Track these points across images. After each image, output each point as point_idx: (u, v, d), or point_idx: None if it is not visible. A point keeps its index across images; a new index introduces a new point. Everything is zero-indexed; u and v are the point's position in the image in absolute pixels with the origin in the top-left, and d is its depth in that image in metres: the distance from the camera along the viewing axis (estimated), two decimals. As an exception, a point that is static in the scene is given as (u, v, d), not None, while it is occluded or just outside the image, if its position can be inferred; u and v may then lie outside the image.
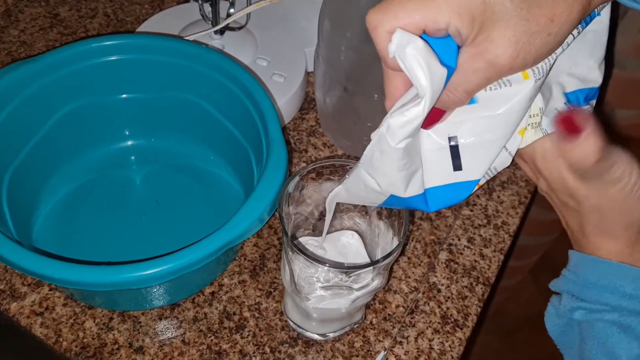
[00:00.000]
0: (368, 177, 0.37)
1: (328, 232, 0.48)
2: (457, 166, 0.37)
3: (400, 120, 0.32)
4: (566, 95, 0.38)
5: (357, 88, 0.57)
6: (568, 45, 0.35)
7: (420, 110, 0.32)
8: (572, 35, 0.35)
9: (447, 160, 0.37)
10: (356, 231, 0.50)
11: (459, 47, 0.32)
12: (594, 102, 0.39)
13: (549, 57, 0.34)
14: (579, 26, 0.35)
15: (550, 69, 0.35)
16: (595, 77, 0.39)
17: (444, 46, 0.32)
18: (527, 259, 1.09)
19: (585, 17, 0.34)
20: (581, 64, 0.38)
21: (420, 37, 0.31)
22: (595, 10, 0.36)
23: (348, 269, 0.42)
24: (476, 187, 0.38)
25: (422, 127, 0.34)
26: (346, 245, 0.49)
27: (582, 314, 0.40)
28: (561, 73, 0.38)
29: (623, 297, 0.38)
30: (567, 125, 0.34)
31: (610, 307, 0.39)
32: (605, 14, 0.38)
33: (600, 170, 0.36)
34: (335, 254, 0.48)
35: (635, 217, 0.39)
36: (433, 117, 0.34)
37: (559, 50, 0.34)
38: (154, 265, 0.42)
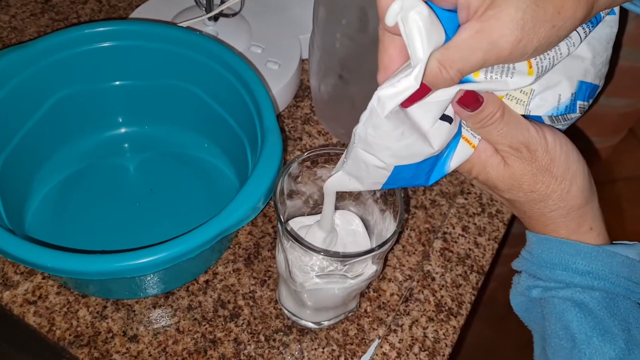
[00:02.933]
0: (368, 155, 0.36)
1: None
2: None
3: (390, 92, 0.31)
4: (581, 83, 0.37)
5: (352, 76, 0.57)
6: (575, 47, 0.35)
7: (411, 82, 0.31)
8: (580, 36, 0.35)
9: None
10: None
11: (459, 27, 0.31)
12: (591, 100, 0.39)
13: (554, 56, 0.34)
14: (586, 27, 0.35)
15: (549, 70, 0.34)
16: (601, 76, 0.39)
17: (447, 21, 0.31)
18: (521, 246, 1.10)
19: (590, 19, 0.34)
20: (597, 61, 0.38)
21: (426, 3, 0.30)
22: (601, 13, 0.36)
23: (343, 258, 0.42)
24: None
25: (401, 104, 0.33)
26: (348, 230, 0.49)
27: (539, 292, 0.41)
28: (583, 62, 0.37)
29: (575, 274, 0.39)
30: (467, 100, 0.35)
31: (564, 284, 0.40)
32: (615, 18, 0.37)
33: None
34: (338, 237, 0.48)
35: (572, 204, 0.39)
36: (416, 94, 0.32)
37: (565, 50, 0.34)
38: (148, 254, 0.42)
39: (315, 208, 0.50)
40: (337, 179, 0.40)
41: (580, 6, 0.31)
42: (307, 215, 0.51)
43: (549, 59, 0.34)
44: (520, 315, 0.45)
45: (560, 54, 0.34)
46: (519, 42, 0.30)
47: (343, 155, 0.39)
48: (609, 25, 0.38)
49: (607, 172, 1.48)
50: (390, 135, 0.34)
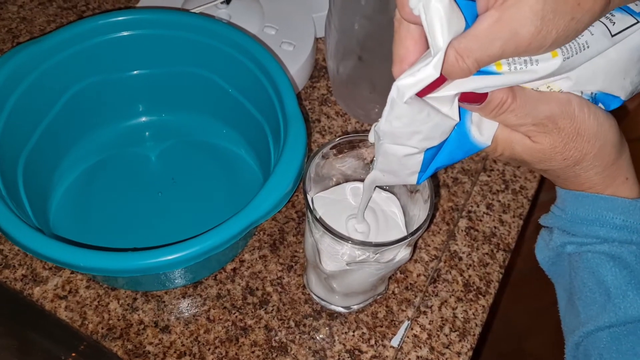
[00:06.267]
0: (397, 147, 0.36)
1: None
2: None
3: (409, 81, 0.31)
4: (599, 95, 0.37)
5: (372, 56, 0.56)
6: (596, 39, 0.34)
7: (430, 70, 0.30)
8: (608, 28, 0.34)
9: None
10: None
11: (477, 16, 0.31)
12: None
13: (579, 41, 0.33)
14: (609, 22, 0.34)
15: (580, 54, 0.33)
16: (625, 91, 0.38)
17: (466, 10, 0.31)
18: (539, 213, 1.09)
19: (606, 14, 0.33)
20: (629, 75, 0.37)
21: None
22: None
23: (376, 247, 0.41)
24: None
25: (417, 94, 0.32)
26: (388, 213, 0.48)
27: (573, 248, 0.41)
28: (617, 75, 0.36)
29: (613, 229, 0.39)
30: (469, 96, 0.34)
31: (600, 239, 0.39)
32: None
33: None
34: (372, 221, 0.47)
35: (607, 160, 0.38)
36: (432, 84, 0.32)
37: (591, 38, 0.33)
38: (180, 249, 0.42)
39: (339, 182, 0.50)
40: (373, 178, 0.40)
41: (599, 0, 0.30)
42: (331, 188, 0.50)
43: (575, 45, 0.33)
44: (545, 268, 0.45)
45: (586, 43, 0.33)
46: (539, 32, 0.30)
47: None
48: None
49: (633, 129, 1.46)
50: (416, 119, 0.33)
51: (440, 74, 0.31)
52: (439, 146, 0.37)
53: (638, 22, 0.35)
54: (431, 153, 0.37)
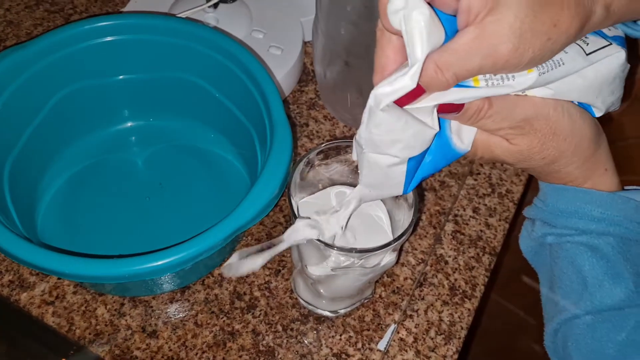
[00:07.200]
0: (379, 157, 0.36)
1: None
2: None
3: (386, 90, 0.31)
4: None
5: (358, 62, 0.56)
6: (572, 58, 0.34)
7: (407, 81, 0.31)
8: (582, 48, 0.35)
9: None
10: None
11: (457, 31, 0.31)
12: None
13: (555, 58, 0.33)
14: (583, 43, 0.35)
15: (555, 70, 0.34)
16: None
17: (447, 24, 0.31)
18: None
19: (581, 37, 0.34)
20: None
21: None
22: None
23: (360, 253, 0.42)
24: None
25: (397, 103, 0.33)
26: (373, 218, 0.48)
27: (553, 238, 0.42)
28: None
29: (591, 221, 0.40)
30: (446, 107, 0.35)
31: (579, 231, 0.41)
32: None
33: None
34: (358, 225, 0.48)
35: (585, 155, 0.39)
36: (410, 95, 0.32)
37: (565, 56, 0.34)
38: (166, 256, 0.42)
39: (325, 187, 0.50)
40: (359, 195, 0.40)
41: (575, 22, 0.31)
42: (314, 194, 0.50)
43: (550, 62, 0.34)
44: (528, 258, 0.46)
45: (561, 60, 0.34)
46: (516, 50, 0.31)
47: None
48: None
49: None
50: (394, 127, 0.34)
51: (418, 85, 0.32)
52: (422, 155, 0.37)
53: (610, 44, 0.36)
54: (414, 163, 0.37)
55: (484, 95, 0.34)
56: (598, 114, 0.39)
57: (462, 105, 0.34)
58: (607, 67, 0.36)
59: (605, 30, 0.37)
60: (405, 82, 0.31)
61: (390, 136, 0.34)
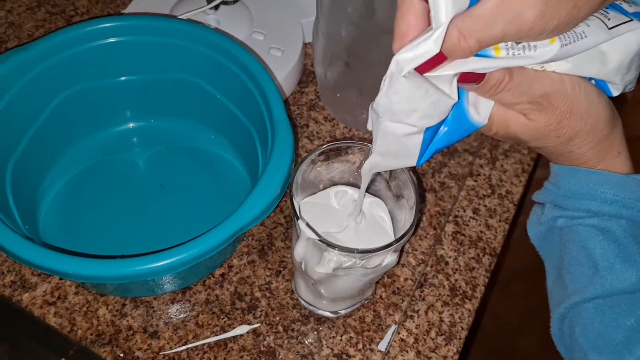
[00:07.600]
0: (396, 125, 0.35)
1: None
2: None
3: (409, 55, 0.31)
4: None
5: (359, 63, 0.56)
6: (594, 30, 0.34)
7: (430, 45, 0.30)
8: (604, 22, 0.34)
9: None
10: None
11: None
12: None
13: (577, 30, 0.33)
14: (604, 18, 0.35)
15: (577, 43, 0.34)
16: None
17: None
18: (525, 216, 1.10)
19: (605, 6, 0.33)
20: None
21: None
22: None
23: (362, 253, 0.42)
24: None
25: (417, 69, 0.32)
26: (376, 218, 0.48)
27: (564, 221, 0.42)
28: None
29: (604, 203, 0.40)
30: (468, 76, 0.34)
31: (591, 213, 0.40)
32: None
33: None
34: (360, 228, 0.48)
35: (599, 136, 0.39)
36: (432, 61, 0.32)
37: (587, 29, 0.33)
38: (168, 256, 0.42)
39: (325, 188, 0.50)
40: (371, 163, 0.40)
41: None
42: (315, 194, 0.50)
43: (572, 34, 0.34)
44: (535, 244, 0.45)
45: (583, 32, 0.34)
46: (541, 17, 0.30)
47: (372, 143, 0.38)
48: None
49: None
50: (414, 95, 0.33)
51: (440, 51, 0.31)
52: (438, 126, 0.36)
53: (632, 20, 0.36)
54: (430, 134, 0.37)
55: (504, 66, 0.33)
56: (615, 92, 0.38)
57: (483, 75, 0.34)
58: (628, 42, 0.36)
59: (625, 7, 0.36)
60: (428, 46, 0.30)
61: (409, 104, 0.34)
